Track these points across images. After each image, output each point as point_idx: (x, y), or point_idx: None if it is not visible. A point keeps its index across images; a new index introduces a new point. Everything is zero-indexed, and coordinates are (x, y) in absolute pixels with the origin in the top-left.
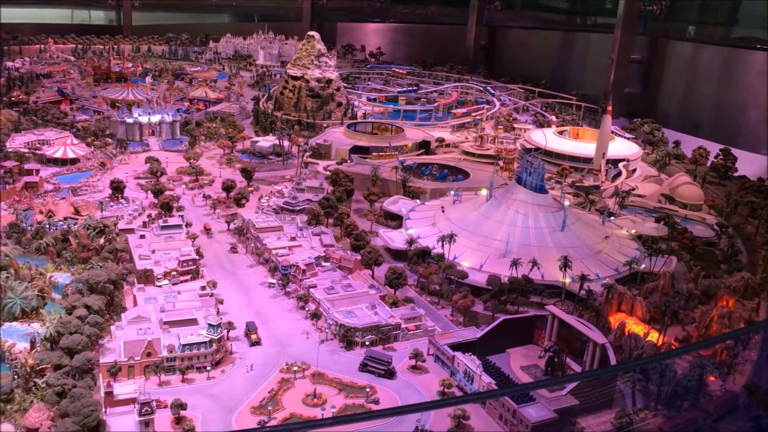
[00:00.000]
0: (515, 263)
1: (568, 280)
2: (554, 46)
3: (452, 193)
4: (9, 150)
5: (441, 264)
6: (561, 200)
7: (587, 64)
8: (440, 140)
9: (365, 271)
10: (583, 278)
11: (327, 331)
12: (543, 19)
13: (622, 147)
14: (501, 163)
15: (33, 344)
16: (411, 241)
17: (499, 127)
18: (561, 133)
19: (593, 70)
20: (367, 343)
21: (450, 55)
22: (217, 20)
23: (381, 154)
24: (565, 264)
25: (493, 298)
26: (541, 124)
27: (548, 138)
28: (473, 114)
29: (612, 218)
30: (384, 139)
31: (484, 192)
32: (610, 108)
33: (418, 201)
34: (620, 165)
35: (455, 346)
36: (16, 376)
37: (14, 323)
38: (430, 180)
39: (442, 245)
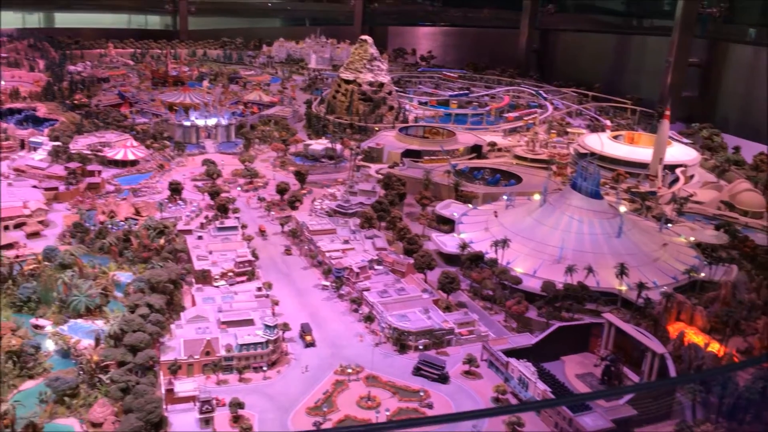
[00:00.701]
0: (570, 269)
1: (624, 288)
2: (609, 49)
3: (505, 197)
4: (72, 152)
5: (494, 269)
6: (617, 206)
7: (643, 67)
8: (492, 144)
9: (418, 274)
10: (640, 286)
11: (380, 334)
12: (597, 22)
13: (680, 152)
14: (554, 167)
15: (97, 341)
16: (464, 246)
17: (552, 131)
18: (616, 137)
19: (649, 73)
20: (421, 347)
21: (502, 58)
22: (270, 24)
23: (433, 157)
24: (622, 271)
25: (548, 305)
26: (595, 128)
27: (603, 143)
28: (525, 118)
29: (669, 225)
30: (436, 142)
31: (537, 197)
32: (667, 112)
33: (470, 205)
34: (678, 171)
35: (509, 352)
36: (81, 372)
37: (79, 320)
38: (482, 184)
39: (495, 250)
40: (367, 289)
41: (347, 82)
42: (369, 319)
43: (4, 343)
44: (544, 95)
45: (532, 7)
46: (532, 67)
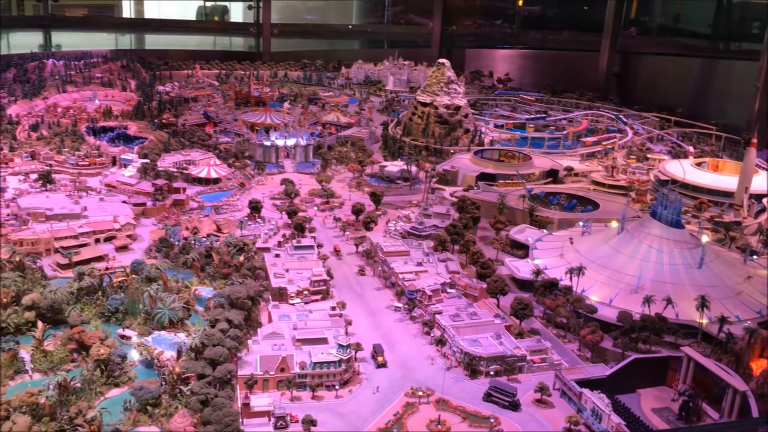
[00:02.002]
0: (648, 300)
1: (705, 321)
2: (693, 73)
3: (581, 224)
4: (159, 169)
5: (569, 297)
6: (698, 236)
7: (729, 92)
8: (569, 169)
9: (490, 299)
10: (722, 320)
11: (451, 358)
12: (681, 45)
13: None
14: (633, 194)
15: (179, 353)
16: (538, 272)
17: (632, 156)
18: (699, 164)
19: (736, 98)
20: (492, 372)
21: (580, 81)
22: (349, 46)
23: (508, 181)
24: (703, 304)
25: (624, 335)
26: (677, 154)
27: (686, 170)
28: (604, 143)
29: (755, 257)
30: (511, 166)
31: (615, 224)
32: (754, 139)
33: (545, 231)
34: (765, 200)
35: (582, 383)
36: (163, 382)
37: (162, 332)
38: (558, 210)
39: (570, 277)
40: (440, 312)
41: (424, 104)
42: (440, 342)
43: (93, 351)
44: (624, 119)
45: (613, 29)
46: (612, 90)
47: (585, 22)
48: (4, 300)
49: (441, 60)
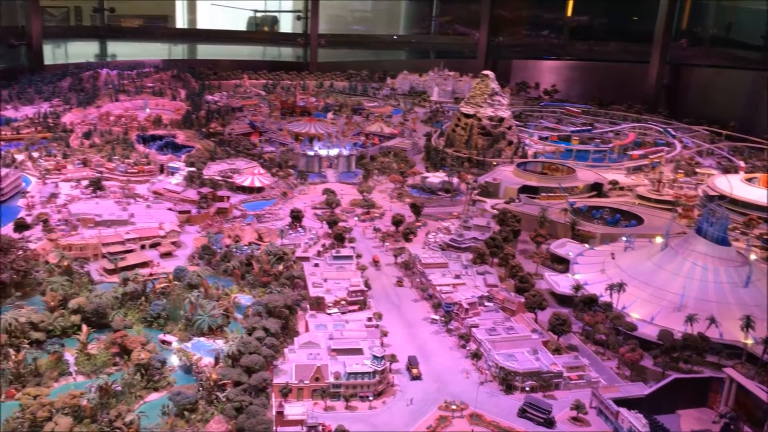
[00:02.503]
0: (691, 318)
1: (750, 342)
2: (746, 86)
3: (624, 239)
4: (205, 177)
5: (608, 313)
6: (746, 254)
7: None
8: (614, 183)
9: (528, 314)
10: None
11: (487, 372)
12: (734, 57)
13: None
14: (679, 209)
15: (217, 360)
16: (577, 287)
17: (680, 171)
18: (750, 180)
19: None
20: (527, 388)
21: (629, 93)
22: (395, 57)
23: (550, 194)
24: (748, 324)
25: (664, 354)
26: (728, 169)
27: (734, 185)
28: (651, 156)
29: None
30: (554, 179)
31: (659, 240)
32: None
33: (587, 245)
34: None
35: (620, 401)
36: (201, 388)
37: (202, 338)
38: (600, 224)
39: (611, 293)
40: (476, 326)
41: (467, 116)
42: (476, 356)
43: (134, 355)
44: (673, 133)
45: (663, 41)
46: (661, 103)
47: (634, 33)
48: (52, 303)
49: (485, 71)
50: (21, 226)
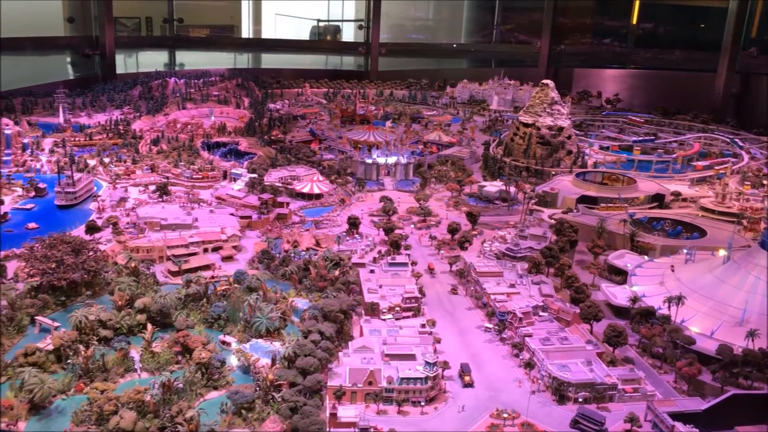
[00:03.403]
0: (752, 334)
1: None
2: None
3: (685, 251)
4: (266, 184)
5: (666, 326)
6: None
7: None
8: (676, 194)
9: (583, 325)
10: None
11: (539, 382)
12: None
13: None
14: (745, 222)
15: (273, 361)
16: (635, 299)
17: (746, 182)
18: None
19: None
20: (580, 399)
21: (695, 102)
22: (455, 65)
23: (610, 205)
24: None
25: (724, 370)
26: None
27: None
28: (716, 167)
29: None
30: (614, 190)
31: (722, 253)
32: None
33: (646, 257)
34: None
35: (676, 416)
36: (258, 388)
37: (260, 340)
38: (661, 236)
39: (669, 306)
40: (530, 335)
41: (526, 125)
42: (529, 365)
43: (195, 354)
44: (740, 143)
45: (732, 49)
46: (729, 112)
47: (701, 42)
48: (120, 302)
49: (545, 81)
50: (92, 228)
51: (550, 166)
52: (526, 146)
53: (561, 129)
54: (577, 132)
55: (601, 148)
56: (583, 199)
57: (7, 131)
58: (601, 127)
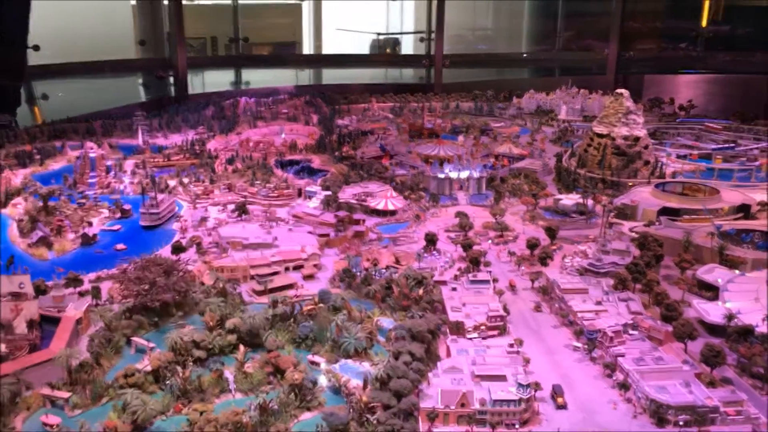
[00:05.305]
0: None
1: None
2: None
3: None
4: (341, 201)
5: (766, 345)
6: None
7: None
8: (763, 204)
9: (677, 344)
10: None
11: (636, 404)
12: None
13: None
14: None
15: (365, 383)
16: (730, 317)
17: None
18: None
19: None
20: (681, 423)
21: None
22: (519, 75)
23: (693, 217)
24: None
25: None
26: None
27: None
28: None
29: None
30: (697, 200)
31: None
32: None
33: (737, 271)
34: None
35: None
36: (351, 410)
37: (348, 361)
38: (751, 248)
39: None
40: (622, 355)
41: (600, 135)
42: (624, 386)
43: (287, 375)
44: None
45: None
46: None
47: None
48: (211, 323)
49: (619, 90)
50: (177, 249)
51: (627, 177)
52: (601, 157)
53: (637, 139)
54: (651, 141)
55: (679, 157)
56: (665, 211)
57: (92, 154)
58: (677, 135)
